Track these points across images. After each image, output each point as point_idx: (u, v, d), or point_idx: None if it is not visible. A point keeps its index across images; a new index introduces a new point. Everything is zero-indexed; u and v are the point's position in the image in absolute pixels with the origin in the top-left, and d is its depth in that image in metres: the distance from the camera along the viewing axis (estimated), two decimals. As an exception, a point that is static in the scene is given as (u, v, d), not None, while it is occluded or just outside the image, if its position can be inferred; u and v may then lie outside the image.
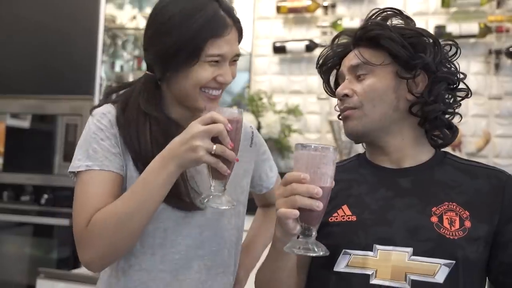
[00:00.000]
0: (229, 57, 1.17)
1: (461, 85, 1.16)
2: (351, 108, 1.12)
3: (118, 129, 1.16)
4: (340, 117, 1.16)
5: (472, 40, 2.89)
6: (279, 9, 3.14)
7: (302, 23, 3.18)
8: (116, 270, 1.18)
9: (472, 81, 2.92)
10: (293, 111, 3.01)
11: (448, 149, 2.90)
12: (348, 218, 1.10)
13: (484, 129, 2.88)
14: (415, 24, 1.16)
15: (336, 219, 1.11)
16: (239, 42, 1.20)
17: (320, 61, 1.22)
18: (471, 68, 2.92)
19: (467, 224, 1.04)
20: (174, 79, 1.17)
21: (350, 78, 1.14)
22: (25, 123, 2.90)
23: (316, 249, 0.94)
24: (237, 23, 1.19)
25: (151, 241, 1.16)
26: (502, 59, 2.85)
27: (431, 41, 1.11)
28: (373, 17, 1.16)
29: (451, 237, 1.02)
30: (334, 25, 3.04)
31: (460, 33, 2.84)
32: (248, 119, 2.85)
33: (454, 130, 1.17)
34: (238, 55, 1.19)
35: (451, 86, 1.14)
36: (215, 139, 1.01)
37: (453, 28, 2.85)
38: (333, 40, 1.22)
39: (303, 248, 0.94)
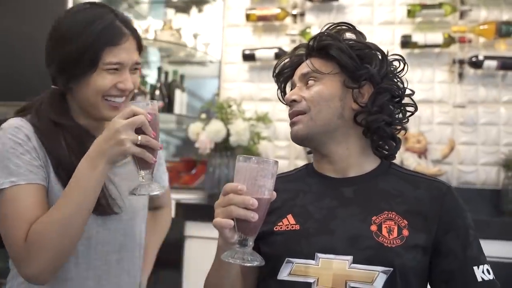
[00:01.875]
0: (127, 64, 1.21)
1: (410, 100, 1.19)
2: (299, 113, 1.16)
3: (39, 141, 1.18)
4: (289, 122, 1.20)
5: (437, 49, 2.95)
6: (248, 17, 3.16)
7: (271, 31, 3.21)
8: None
9: (437, 90, 2.99)
10: (263, 119, 3.00)
11: (414, 156, 2.94)
12: (292, 227, 1.12)
13: (449, 137, 2.94)
14: (365, 39, 1.21)
15: (281, 228, 1.13)
16: (139, 51, 1.26)
17: (277, 70, 1.27)
18: (436, 77, 2.99)
19: (405, 232, 1.08)
20: (77, 89, 1.22)
21: (300, 85, 1.19)
22: None
23: (250, 259, 0.96)
24: (134, 33, 1.24)
25: (75, 251, 1.18)
26: (465, 69, 2.92)
27: (378, 54, 1.16)
28: (328, 30, 1.20)
29: (389, 245, 1.06)
30: (303, 33, 3.08)
31: (425, 42, 2.90)
32: (217, 127, 2.87)
33: (397, 141, 1.20)
34: (138, 63, 1.24)
35: (396, 99, 1.17)
36: (138, 131, 1.07)
37: (418, 37, 2.91)
38: (293, 51, 1.27)
39: (238, 257, 0.96)
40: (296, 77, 1.21)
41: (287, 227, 1.12)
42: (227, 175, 2.86)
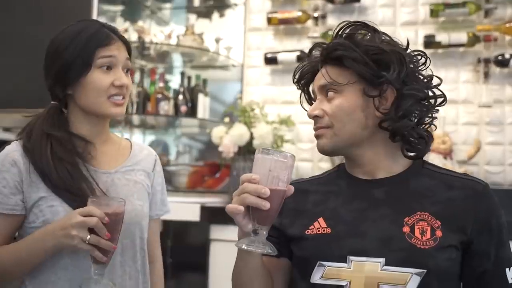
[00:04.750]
0: (119, 61, 1.31)
1: (439, 90, 1.16)
2: (322, 128, 1.15)
3: (27, 157, 1.27)
4: (314, 134, 1.19)
5: (461, 49, 2.92)
6: (270, 21, 3.16)
7: (293, 34, 3.20)
8: None
9: (462, 90, 2.95)
10: (285, 122, 3.00)
11: (439, 157, 2.89)
12: (324, 230, 1.12)
13: (475, 137, 2.90)
14: (380, 37, 1.14)
15: (312, 231, 1.13)
16: (129, 56, 1.35)
17: (297, 76, 1.24)
18: (461, 76, 2.95)
19: (438, 233, 1.06)
20: (77, 94, 1.31)
21: (321, 97, 1.16)
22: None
23: (261, 246, 1.00)
24: (122, 38, 1.34)
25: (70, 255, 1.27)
26: (491, 68, 2.88)
27: (397, 55, 1.11)
28: (341, 30, 1.16)
29: (422, 247, 1.05)
30: (324, 35, 3.07)
31: (449, 42, 2.87)
32: (240, 130, 2.87)
33: (426, 140, 1.15)
34: (129, 61, 1.33)
35: (422, 101, 1.14)
36: (92, 230, 1.15)
37: (442, 37, 2.88)
38: (309, 53, 1.23)
39: (250, 244, 1.00)
40: (315, 87, 1.18)
41: (318, 231, 1.12)
42: (251, 178, 2.85)
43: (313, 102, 1.22)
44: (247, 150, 2.91)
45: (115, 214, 1.17)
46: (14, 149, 1.30)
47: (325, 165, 3.03)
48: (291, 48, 3.15)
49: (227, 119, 3.12)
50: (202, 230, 2.72)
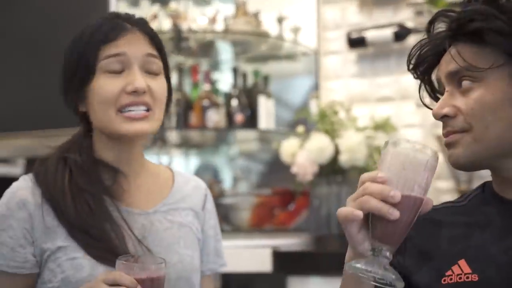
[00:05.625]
0: (133, 58, 1.32)
1: None
2: (455, 132, 1.13)
3: (38, 188, 1.31)
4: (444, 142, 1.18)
5: None
6: (352, -13, 3.20)
7: (385, 2, 3.17)
8: None
9: None
10: (383, 126, 2.96)
11: None
12: (467, 277, 1.11)
13: None
14: None
15: (451, 279, 1.12)
16: (153, 44, 1.36)
17: (413, 61, 1.22)
18: None
19: None
20: (88, 110, 1.35)
21: (451, 89, 1.15)
22: (16, 169, 2.90)
23: (381, 274, 0.97)
24: (138, 25, 1.36)
25: None
26: None
27: None
28: None
29: None
30: (433, 0, 2.97)
31: None
32: (320, 143, 2.84)
33: None
34: (150, 64, 1.34)
35: None
36: None
37: None
38: (428, 27, 1.22)
39: (364, 269, 0.98)
40: (442, 74, 1.17)
41: (460, 278, 1.11)
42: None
43: (440, 96, 1.21)
44: (331, 170, 2.89)
45: (151, 279, 1.19)
46: (22, 186, 1.33)
47: (444, 184, 2.95)
48: (384, 22, 3.14)
49: (300, 129, 3.10)
50: (277, 284, 2.75)
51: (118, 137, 1.35)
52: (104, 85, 1.31)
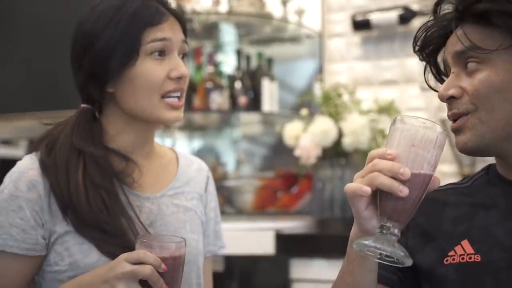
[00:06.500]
0: (175, 44, 1.32)
1: None
2: (461, 114, 1.13)
3: (44, 175, 1.29)
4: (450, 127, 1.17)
5: None
6: (356, -32, 3.17)
7: None
8: None
9: None
10: (387, 110, 2.95)
11: None
12: (470, 258, 1.11)
13: None
14: None
15: (453, 259, 1.13)
16: (185, 35, 1.36)
17: (418, 42, 1.22)
18: None
19: None
20: (121, 93, 1.32)
21: (457, 70, 1.15)
22: (19, 151, 2.88)
23: (390, 251, 0.96)
24: (174, 13, 1.35)
25: None
26: None
27: None
28: None
29: None
30: None
31: None
32: (324, 126, 2.84)
33: None
34: (185, 51, 1.35)
35: None
36: (146, 281, 1.15)
37: None
38: (435, 8, 1.22)
39: (373, 247, 0.97)
40: (448, 55, 1.17)
41: (463, 258, 1.12)
42: (342, 192, 2.82)
43: (445, 79, 1.21)
44: (334, 153, 2.88)
45: (173, 258, 1.18)
46: (31, 166, 1.31)
47: (447, 168, 2.97)
48: (389, 4, 3.13)
49: (304, 111, 3.08)
50: (279, 267, 2.75)
51: (153, 123, 1.36)
52: (150, 69, 1.30)
